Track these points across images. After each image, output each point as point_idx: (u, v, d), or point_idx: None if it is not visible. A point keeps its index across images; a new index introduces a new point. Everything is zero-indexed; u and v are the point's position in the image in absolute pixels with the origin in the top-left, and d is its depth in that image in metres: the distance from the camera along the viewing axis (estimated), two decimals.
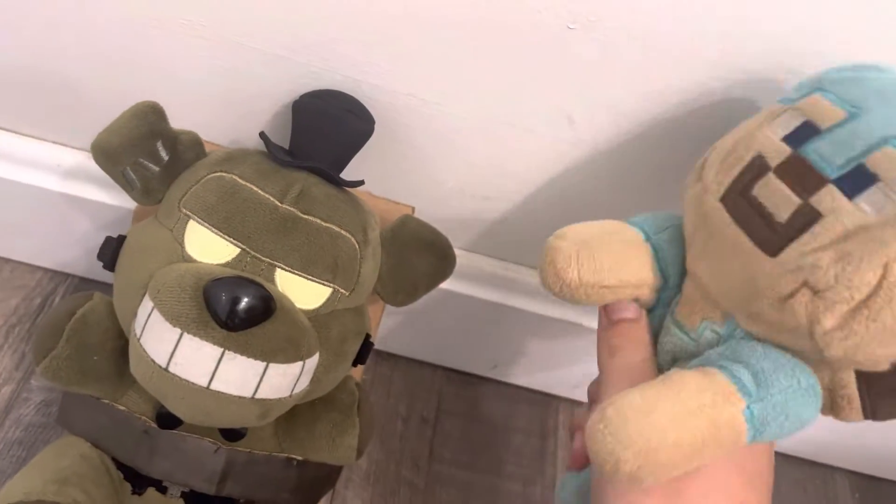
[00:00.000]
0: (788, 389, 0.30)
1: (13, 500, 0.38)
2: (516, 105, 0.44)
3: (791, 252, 0.30)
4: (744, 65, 0.40)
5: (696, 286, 0.35)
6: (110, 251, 0.42)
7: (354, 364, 0.44)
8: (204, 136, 0.44)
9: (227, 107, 0.47)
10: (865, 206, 0.29)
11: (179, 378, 0.36)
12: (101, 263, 0.42)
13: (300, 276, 0.40)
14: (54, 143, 0.53)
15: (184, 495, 0.43)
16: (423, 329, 0.61)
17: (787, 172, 0.31)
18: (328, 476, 0.47)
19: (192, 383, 0.36)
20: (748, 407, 0.30)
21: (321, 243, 0.40)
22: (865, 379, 0.32)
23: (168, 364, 0.36)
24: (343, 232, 0.41)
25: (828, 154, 0.31)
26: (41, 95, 0.49)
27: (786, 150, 0.32)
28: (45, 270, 0.60)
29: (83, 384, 0.41)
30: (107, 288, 0.43)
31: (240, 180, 0.40)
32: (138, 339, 0.37)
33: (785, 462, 0.66)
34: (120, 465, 0.42)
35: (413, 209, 0.51)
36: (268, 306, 0.36)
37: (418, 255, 0.45)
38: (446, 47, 0.42)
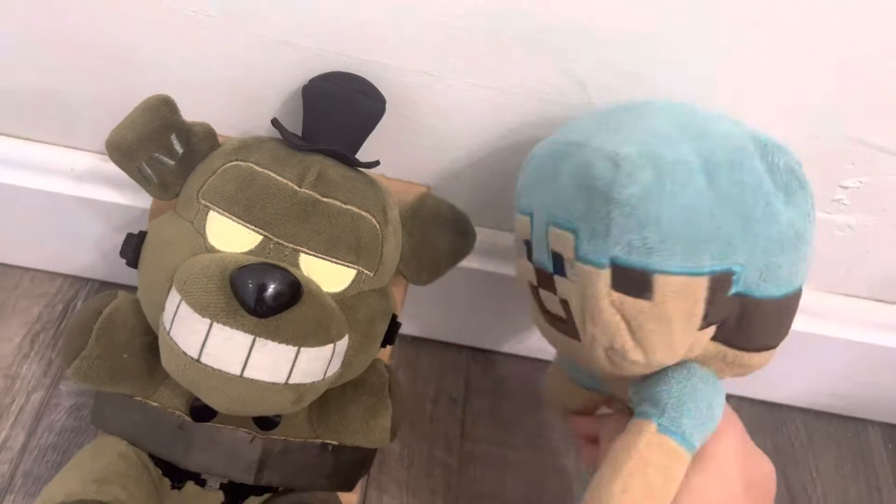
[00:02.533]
0: (683, 385, 0.36)
1: (55, 502, 0.38)
2: (525, 73, 0.44)
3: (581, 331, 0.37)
4: None
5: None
6: (132, 248, 0.42)
7: (383, 345, 0.44)
8: (214, 128, 0.44)
9: (235, 97, 0.47)
10: (574, 277, 0.36)
11: (212, 368, 0.36)
12: (120, 265, 0.42)
13: (324, 259, 0.39)
14: (66, 146, 0.53)
15: (223, 487, 0.43)
16: (445, 310, 0.60)
17: (540, 282, 0.39)
18: (363, 460, 0.47)
19: (226, 372, 0.36)
20: (658, 423, 0.35)
21: (343, 225, 0.40)
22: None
23: (200, 355, 0.36)
24: (363, 213, 0.41)
25: (538, 256, 0.38)
26: (50, 99, 0.49)
27: (531, 266, 0.39)
28: (65, 277, 0.60)
29: (114, 383, 0.41)
30: (128, 290, 0.43)
31: (257, 168, 0.40)
32: (168, 333, 0.37)
33: (817, 418, 0.66)
34: (157, 461, 0.42)
35: (429, 189, 0.51)
36: (295, 291, 0.36)
37: (439, 233, 0.45)
38: (452, 18, 0.41)
